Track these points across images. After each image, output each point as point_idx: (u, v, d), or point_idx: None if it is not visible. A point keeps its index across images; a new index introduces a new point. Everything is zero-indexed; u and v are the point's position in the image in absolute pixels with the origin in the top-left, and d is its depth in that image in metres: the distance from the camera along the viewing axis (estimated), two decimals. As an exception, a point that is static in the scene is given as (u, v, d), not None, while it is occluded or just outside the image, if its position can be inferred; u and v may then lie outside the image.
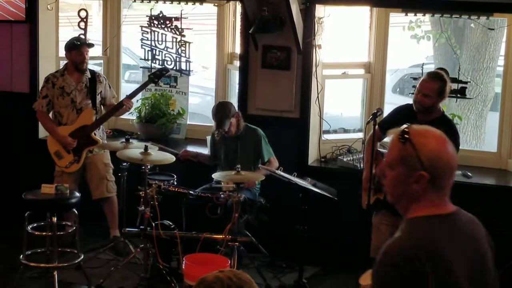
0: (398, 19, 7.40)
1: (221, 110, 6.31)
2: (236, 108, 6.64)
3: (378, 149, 5.72)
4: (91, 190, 6.68)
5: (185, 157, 6.68)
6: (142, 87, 6.86)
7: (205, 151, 6.85)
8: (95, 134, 6.62)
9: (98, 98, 6.68)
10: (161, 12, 7.53)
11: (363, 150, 6.55)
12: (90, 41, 6.98)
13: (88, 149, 6.61)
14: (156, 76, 6.72)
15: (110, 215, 6.74)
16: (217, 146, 6.56)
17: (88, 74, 6.65)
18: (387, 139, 5.74)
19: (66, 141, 6.54)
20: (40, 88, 6.80)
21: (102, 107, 6.81)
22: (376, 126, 5.68)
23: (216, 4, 7.41)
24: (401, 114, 5.48)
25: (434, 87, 5.30)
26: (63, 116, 6.62)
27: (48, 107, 6.62)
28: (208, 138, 7.00)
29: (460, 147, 7.29)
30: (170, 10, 7.79)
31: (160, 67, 7.10)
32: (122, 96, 7.35)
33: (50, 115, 6.69)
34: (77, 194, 5.98)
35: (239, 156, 6.28)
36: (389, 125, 5.54)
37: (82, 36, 7.36)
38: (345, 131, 7.24)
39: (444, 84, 5.34)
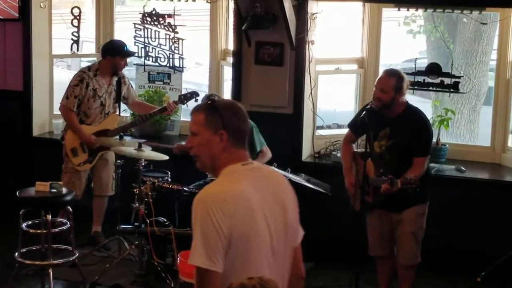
0: (392, 13, 7.41)
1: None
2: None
3: (354, 150, 5.75)
4: (97, 186, 6.74)
5: (180, 151, 6.68)
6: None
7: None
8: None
9: (122, 101, 6.76)
10: (154, 9, 7.53)
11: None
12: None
13: (103, 153, 6.63)
14: (186, 98, 6.71)
15: (100, 212, 6.81)
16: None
17: (116, 77, 6.67)
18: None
19: (90, 140, 6.53)
20: (71, 84, 6.61)
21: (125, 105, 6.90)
22: (348, 129, 5.73)
23: (208, 1, 7.40)
24: (368, 115, 5.41)
25: (390, 82, 5.33)
26: (89, 117, 6.62)
27: (76, 106, 6.60)
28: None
29: (454, 142, 7.39)
30: (163, 6, 7.78)
31: (191, 91, 7.02)
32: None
33: None
34: (72, 191, 5.99)
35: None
36: (357, 126, 5.57)
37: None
38: (339, 126, 7.24)
39: (400, 79, 5.37)
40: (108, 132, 6.61)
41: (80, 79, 6.57)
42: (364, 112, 5.40)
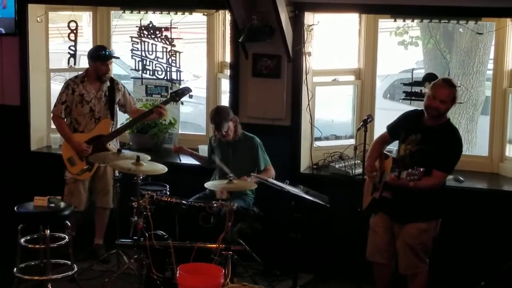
0: (387, 24, 7.43)
1: (219, 113, 6.39)
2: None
3: (384, 152, 5.74)
4: (97, 198, 6.76)
5: (178, 151, 6.74)
6: (165, 102, 6.77)
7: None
8: (109, 145, 6.63)
9: (116, 107, 6.73)
10: (151, 22, 7.54)
11: (355, 156, 6.60)
12: (113, 53, 6.91)
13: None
14: (178, 95, 6.70)
15: (101, 225, 6.82)
16: (215, 151, 6.58)
17: (107, 83, 6.67)
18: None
19: (81, 148, 6.55)
20: (59, 93, 6.73)
21: (124, 113, 6.91)
22: (385, 130, 5.71)
23: (205, 13, 7.41)
24: (408, 119, 5.51)
25: (450, 93, 5.31)
26: (80, 123, 6.64)
27: (65, 112, 6.62)
28: (200, 147, 7.03)
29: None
30: (159, 20, 7.80)
31: (184, 86, 7.00)
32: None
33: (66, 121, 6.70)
34: (70, 206, 6.00)
35: (233, 163, 6.29)
36: (396, 129, 5.58)
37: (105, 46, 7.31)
38: (337, 137, 7.26)
39: (456, 89, 5.39)
40: (103, 138, 6.61)
41: (66, 85, 6.68)
42: (408, 119, 5.48)
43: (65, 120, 6.66)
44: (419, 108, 5.60)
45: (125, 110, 6.90)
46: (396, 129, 5.61)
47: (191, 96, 6.92)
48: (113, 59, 6.89)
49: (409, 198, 5.26)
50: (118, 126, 6.87)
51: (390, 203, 5.42)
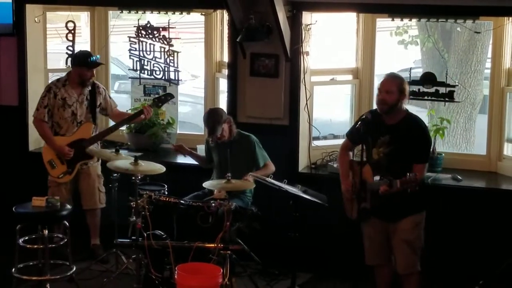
0: (385, 23, 7.43)
1: (212, 116, 6.32)
2: (226, 115, 6.73)
3: (351, 159, 5.75)
4: (83, 200, 6.73)
5: (178, 150, 6.71)
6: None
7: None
8: None
9: (97, 110, 6.71)
10: (148, 22, 7.54)
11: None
12: (99, 59, 6.86)
13: (82, 163, 6.61)
14: (161, 100, 6.70)
15: (94, 225, 6.82)
16: (212, 152, 6.57)
17: (89, 87, 6.65)
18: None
19: (63, 151, 6.53)
20: (40, 97, 6.71)
21: (105, 117, 6.93)
22: (345, 138, 5.74)
23: (203, 13, 7.42)
24: (369, 123, 5.41)
25: (395, 83, 5.38)
26: (62, 127, 6.63)
27: (47, 116, 6.62)
28: (199, 147, 7.02)
29: (450, 151, 7.39)
30: (157, 20, 7.80)
31: (166, 92, 7.03)
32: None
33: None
34: (68, 206, 6.01)
35: (231, 162, 6.28)
36: (357, 135, 5.57)
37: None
38: (335, 137, 7.25)
39: (403, 81, 5.45)
40: (84, 141, 6.58)
41: (47, 89, 6.66)
42: (360, 122, 5.41)
43: (47, 123, 6.66)
44: (373, 108, 5.64)
45: (106, 113, 6.88)
46: (357, 135, 5.55)
47: (174, 103, 6.96)
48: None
49: (397, 198, 5.27)
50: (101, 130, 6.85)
51: (379, 206, 5.42)
